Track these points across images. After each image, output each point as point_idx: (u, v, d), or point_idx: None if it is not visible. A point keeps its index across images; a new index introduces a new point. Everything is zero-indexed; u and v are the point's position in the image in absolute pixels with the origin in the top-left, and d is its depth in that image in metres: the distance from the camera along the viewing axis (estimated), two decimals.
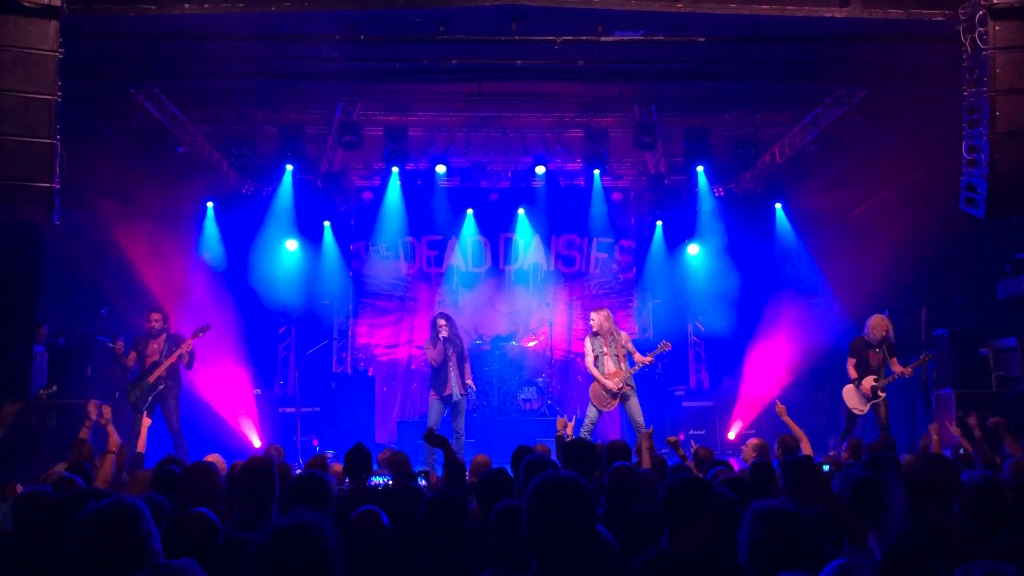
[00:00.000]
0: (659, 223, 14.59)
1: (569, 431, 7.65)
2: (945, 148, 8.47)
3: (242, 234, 13.60)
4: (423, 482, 5.76)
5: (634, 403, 9.64)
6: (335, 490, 4.17)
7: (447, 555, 3.77)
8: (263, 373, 13.24)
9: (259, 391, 12.70)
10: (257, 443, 11.64)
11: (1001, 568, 2.41)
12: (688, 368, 14.64)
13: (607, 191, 14.58)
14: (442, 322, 10.13)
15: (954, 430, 7.88)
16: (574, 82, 10.88)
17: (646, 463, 6.00)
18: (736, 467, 6.39)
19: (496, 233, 14.97)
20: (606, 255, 15.03)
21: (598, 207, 14.50)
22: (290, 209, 13.56)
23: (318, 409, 12.56)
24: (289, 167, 13.05)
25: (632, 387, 9.69)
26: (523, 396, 13.23)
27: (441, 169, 13.92)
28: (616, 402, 9.61)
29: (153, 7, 7.36)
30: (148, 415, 8.87)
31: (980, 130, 7.21)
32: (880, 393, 9.24)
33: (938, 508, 3.49)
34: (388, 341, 14.69)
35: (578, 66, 9.48)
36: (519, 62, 9.39)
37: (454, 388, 9.97)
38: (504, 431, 12.02)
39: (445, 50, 9.04)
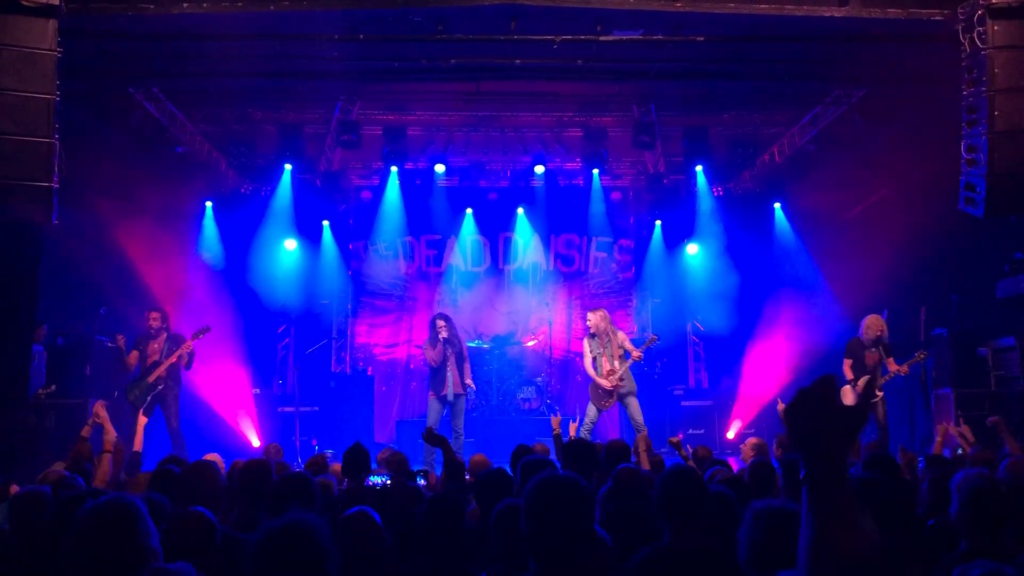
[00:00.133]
0: (658, 222, 14.59)
1: (571, 431, 7.67)
2: (944, 147, 8.47)
3: (241, 233, 13.60)
4: (422, 481, 5.76)
5: (634, 404, 9.66)
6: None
7: (446, 555, 3.77)
8: (262, 372, 13.24)
9: (258, 390, 12.71)
10: (256, 443, 11.66)
11: (1000, 568, 2.41)
12: (687, 367, 14.64)
13: (606, 190, 14.57)
14: (441, 323, 10.14)
15: (951, 430, 7.88)
16: (573, 81, 10.87)
17: (644, 464, 6.01)
18: (735, 466, 6.40)
19: (495, 232, 14.96)
20: (605, 254, 15.02)
21: (597, 206, 14.50)
22: (289, 208, 13.55)
23: (317, 408, 12.55)
24: (288, 166, 13.04)
25: (631, 387, 9.70)
26: (522, 396, 13.23)
27: (440, 168, 13.92)
28: (613, 401, 9.63)
29: (152, 6, 7.36)
30: (147, 415, 8.88)
31: (979, 129, 7.21)
32: (878, 392, 9.26)
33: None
34: (387, 340, 14.68)
35: (577, 65, 9.48)
36: (518, 61, 9.39)
37: (453, 388, 9.99)
38: (503, 431, 12.03)
39: (444, 49, 9.04)
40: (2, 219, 7.45)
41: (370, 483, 4.98)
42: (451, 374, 10.00)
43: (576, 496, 2.44)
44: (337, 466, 6.26)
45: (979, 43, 7.17)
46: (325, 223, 14.24)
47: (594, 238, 14.96)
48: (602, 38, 8.38)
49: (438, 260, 14.90)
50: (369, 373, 13.84)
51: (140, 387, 9.45)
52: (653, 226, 14.65)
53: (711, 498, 3.35)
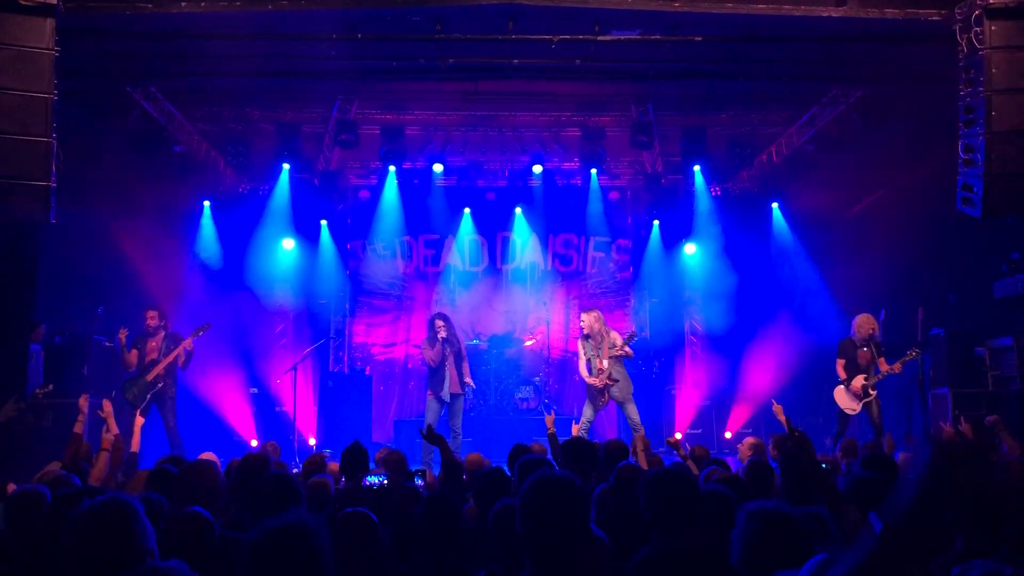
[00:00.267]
0: (656, 222, 14.58)
1: (574, 431, 7.67)
2: (941, 148, 8.49)
3: (239, 233, 13.60)
4: (420, 481, 5.76)
5: (630, 403, 9.69)
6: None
7: (444, 554, 3.77)
8: (259, 372, 13.23)
9: (255, 390, 12.70)
10: (253, 442, 11.65)
11: (999, 568, 2.41)
12: (685, 367, 14.63)
13: (604, 190, 14.57)
14: (440, 323, 10.14)
15: (949, 430, 7.90)
16: (571, 81, 10.88)
17: (642, 463, 6.01)
18: (733, 466, 6.41)
19: (493, 232, 14.95)
20: (603, 254, 15.03)
21: (595, 206, 14.49)
22: (287, 208, 13.55)
23: (315, 408, 12.54)
24: (286, 166, 13.03)
25: (628, 388, 9.72)
26: (520, 395, 13.24)
27: (438, 168, 13.92)
28: (606, 400, 9.65)
29: (149, 5, 7.36)
30: (144, 414, 8.87)
31: (976, 129, 7.22)
32: (871, 391, 9.29)
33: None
34: (385, 340, 14.68)
35: (575, 65, 9.48)
36: (516, 61, 9.38)
37: (451, 387, 10.00)
38: (501, 430, 12.03)
39: (442, 49, 9.04)
40: (0, 218, 7.44)
41: (367, 483, 4.98)
42: (449, 374, 10.01)
43: (572, 495, 2.44)
44: (335, 465, 6.26)
45: (976, 43, 7.18)
46: (323, 222, 14.23)
47: (592, 238, 14.96)
48: (600, 38, 8.38)
49: (436, 260, 14.90)
50: (367, 373, 13.83)
51: (139, 385, 9.46)
52: (651, 226, 14.64)
53: (706, 499, 3.35)
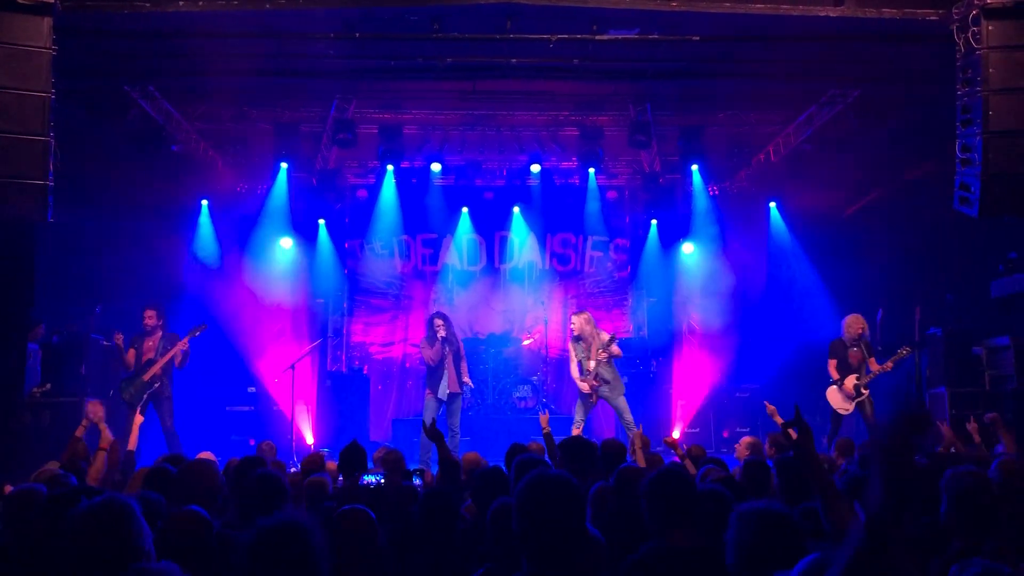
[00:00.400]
0: (654, 222, 14.58)
1: (574, 432, 7.68)
2: (938, 147, 8.50)
3: (237, 232, 13.60)
4: (418, 480, 5.77)
5: (621, 403, 9.77)
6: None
7: (441, 553, 3.77)
8: (257, 371, 13.22)
9: (253, 389, 12.70)
10: (251, 441, 11.64)
11: (997, 567, 2.42)
12: (683, 366, 14.63)
13: (602, 189, 14.57)
14: (439, 322, 10.16)
15: (945, 430, 7.90)
16: (569, 81, 10.88)
17: (640, 461, 6.01)
18: (730, 466, 6.41)
19: (491, 231, 14.95)
20: (601, 253, 15.03)
21: (593, 205, 14.50)
22: (285, 207, 13.54)
23: (313, 407, 12.54)
24: (284, 165, 13.02)
25: (618, 387, 9.78)
26: (518, 394, 13.24)
27: (436, 167, 13.91)
28: (595, 399, 9.75)
29: (147, 4, 7.35)
30: (141, 413, 8.86)
31: (973, 129, 7.22)
32: (863, 391, 9.32)
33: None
34: (383, 339, 14.67)
35: (573, 65, 9.48)
36: (514, 60, 9.38)
37: (449, 387, 10.01)
38: (499, 429, 12.05)
39: (440, 48, 9.04)
40: None
41: (364, 482, 4.99)
42: (448, 373, 10.03)
43: (568, 494, 2.44)
44: (332, 464, 6.27)
45: (974, 43, 7.19)
46: (321, 221, 14.22)
47: (590, 237, 14.96)
48: (598, 37, 8.37)
49: (434, 259, 14.90)
50: (365, 372, 13.83)
51: (135, 385, 9.45)
52: (649, 225, 14.65)
53: (703, 498, 3.35)
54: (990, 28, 7.12)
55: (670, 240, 14.54)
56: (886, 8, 7.63)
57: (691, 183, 13.83)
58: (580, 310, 10.46)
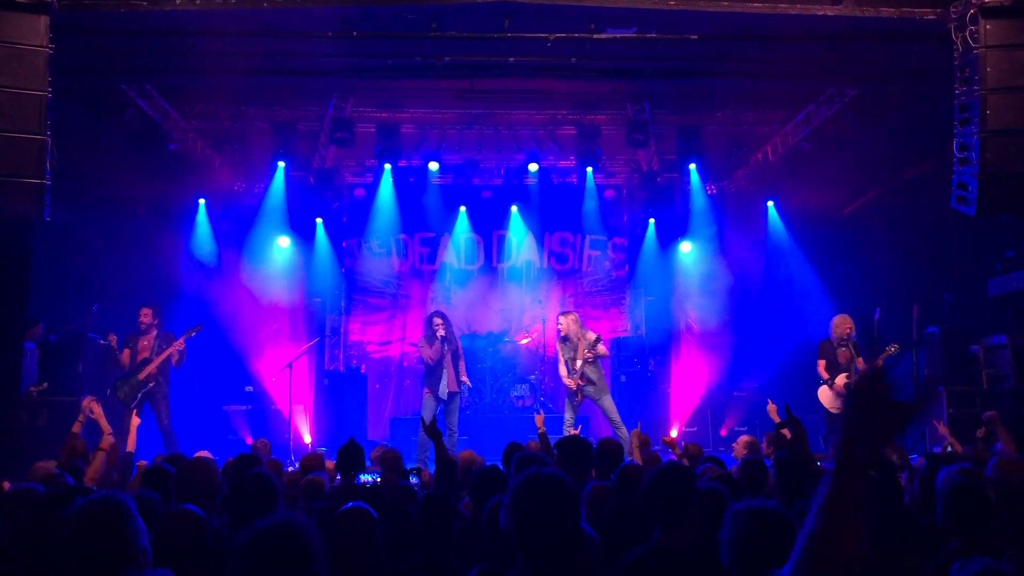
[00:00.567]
0: (652, 220, 14.59)
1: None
2: (936, 146, 8.50)
3: (234, 231, 13.59)
4: (415, 479, 5.77)
5: (607, 402, 9.86)
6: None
7: (438, 552, 3.77)
8: (255, 370, 13.21)
9: (250, 388, 12.69)
10: (248, 440, 11.64)
11: (997, 566, 2.42)
12: (681, 365, 14.64)
13: (600, 188, 14.57)
14: (439, 321, 10.16)
15: (942, 429, 7.91)
16: (567, 79, 10.88)
17: (637, 459, 6.01)
18: (728, 464, 6.42)
19: (489, 230, 14.96)
20: (599, 252, 15.04)
21: (591, 204, 14.51)
22: (282, 206, 13.53)
23: (310, 406, 12.54)
24: (281, 164, 13.01)
25: (602, 386, 9.85)
26: (516, 393, 13.25)
27: (434, 166, 13.92)
28: (580, 398, 9.85)
29: (144, 3, 7.34)
30: (139, 413, 8.85)
31: (971, 128, 7.22)
32: None
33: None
34: (381, 338, 14.67)
35: (571, 63, 9.47)
36: (511, 59, 9.37)
37: (448, 386, 10.02)
38: (497, 428, 12.05)
39: (437, 47, 9.01)
40: None
41: (360, 481, 4.99)
42: (447, 372, 10.04)
43: (561, 493, 2.44)
44: (331, 463, 6.27)
45: (971, 42, 7.19)
46: (318, 220, 14.21)
47: (588, 236, 14.97)
48: (596, 36, 8.36)
49: (432, 258, 14.90)
50: (363, 371, 13.83)
51: (130, 384, 9.43)
52: (647, 224, 14.66)
53: (701, 496, 3.35)
54: (988, 27, 7.13)
55: (668, 239, 14.55)
56: (884, 7, 7.64)
57: (689, 182, 13.83)
58: (567, 311, 10.55)
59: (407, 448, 9.48)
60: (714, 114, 12.85)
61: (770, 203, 13.96)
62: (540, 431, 6.89)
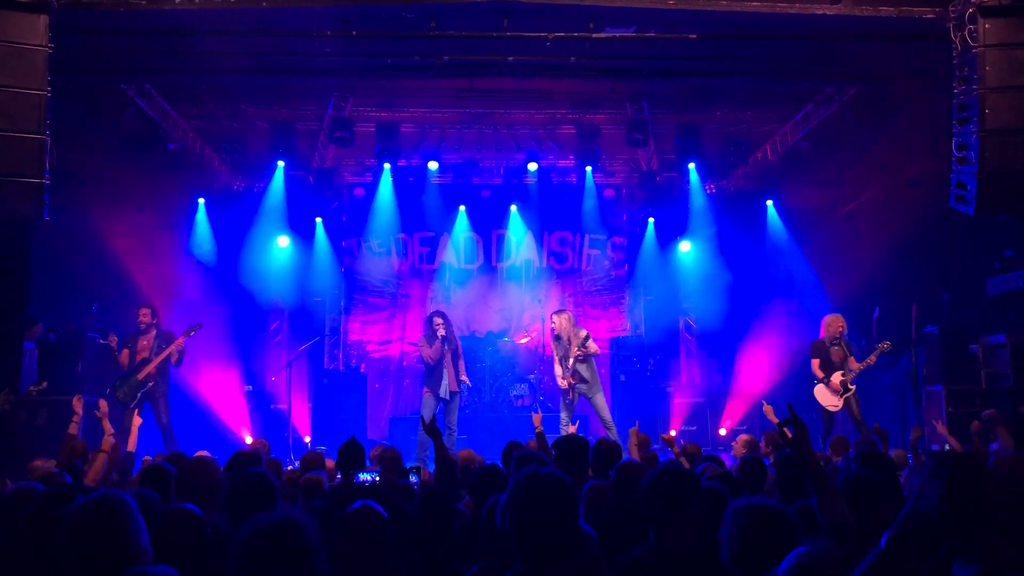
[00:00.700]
0: (651, 220, 14.60)
1: (571, 430, 7.69)
2: (935, 145, 8.50)
3: (234, 230, 13.58)
4: (415, 478, 5.77)
5: (599, 400, 9.92)
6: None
7: (437, 551, 3.77)
8: (254, 369, 13.22)
9: (250, 387, 12.69)
10: (248, 439, 11.65)
11: (1000, 563, 2.42)
12: (680, 364, 14.66)
13: (599, 188, 14.58)
14: (439, 320, 10.16)
15: (941, 428, 7.92)
16: (566, 79, 10.89)
17: (635, 457, 6.00)
18: (728, 463, 6.42)
19: (488, 230, 14.96)
20: (598, 252, 15.04)
21: (590, 204, 14.52)
22: (282, 205, 13.54)
23: (310, 406, 12.54)
24: (281, 163, 13.01)
25: (592, 383, 9.87)
26: (515, 392, 13.25)
27: (433, 165, 13.92)
28: (572, 396, 9.88)
29: (143, 2, 7.34)
30: (138, 412, 8.85)
31: (970, 127, 7.23)
32: (850, 386, 9.37)
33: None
34: (380, 337, 14.68)
35: (570, 63, 9.46)
36: (510, 58, 9.36)
37: (448, 385, 10.02)
38: (496, 427, 12.06)
39: (436, 46, 9.01)
40: None
41: (359, 479, 4.98)
42: (447, 371, 10.04)
43: (560, 492, 2.44)
44: (331, 462, 6.28)
45: (970, 41, 7.20)
46: (318, 220, 14.22)
47: (587, 235, 14.98)
48: (595, 35, 8.36)
49: (431, 257, 14.91)
50: (362, 370, 13.84)
51: (129, 384, 9.43)
52: (646, 223, 14.67)
53: (700, 496, 3.35)
54: (987, 26, 7.13)
55: (667, 238, 14.56)
56: (883, 6, 7.64)
57: (688, 181, 13.83)
58: (560, 310, 10.56)
59: (406, 447, 9.48)
60: (713, 113, 12.85)
61: (769, 202, 13.96)
62: (537, 430, 6.89)
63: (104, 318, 11.20)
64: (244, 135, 13.01)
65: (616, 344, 13.82)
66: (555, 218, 14.88)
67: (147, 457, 6.25)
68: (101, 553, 2.50)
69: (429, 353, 10.07)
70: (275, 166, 13.05)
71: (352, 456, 5.51)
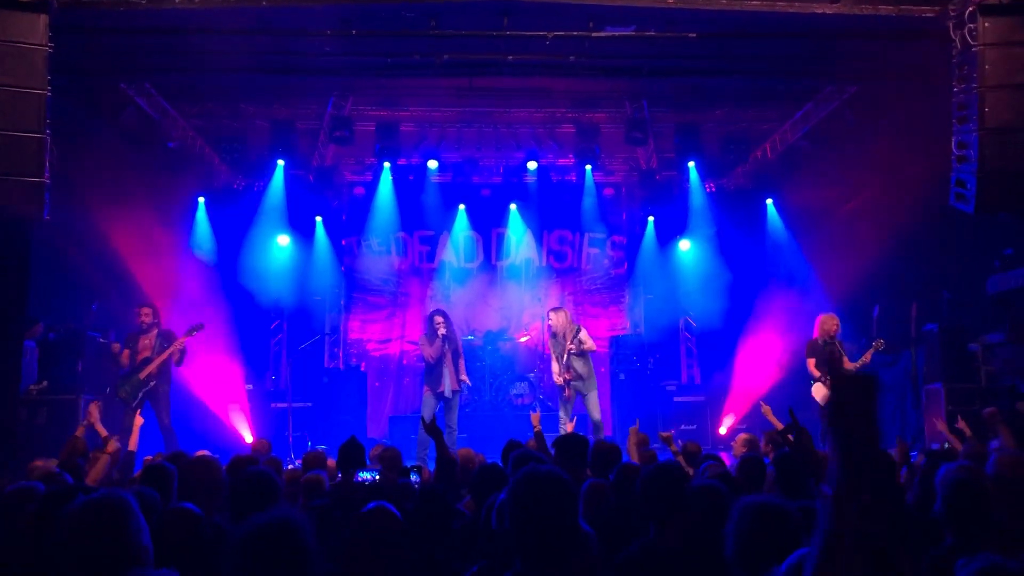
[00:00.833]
0: (651, 218, 14.61)
1: (570, 428, 7.68)
2: (935, 144, 8.49)
3: (234, 229, 13.58)
4: (415, 477, 5.77)
5: (592, 398, 9.94)
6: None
7: (438, 550, 3.77)
8: (255, 368, 13.22)
9: (251, 386, 12.69)
10: (249, 439, 11.65)
11: (1002, 562, 2.42)
12: (679, 363, 14.66)
13: (599, 186, 14.59)
14: (439, 319, 10.16)
15: (941, 426, 7.92)
16: (565, 77, 10.89)
17: (633, 456, 6.02)
18: (728, 462, 6.43)
19: (488, 228, 14.97)
20: (598, 250, 15.05)
21: (590, 202, 14.53)
22: (282, 204, 13.54)
23: (310, 404, 12.55)
24: (280, 162, 13.01)
25: (588, 380, 9.89)
26: (515, 391, 13.25)
27: (433, 164, 13.92)
28: (569, 394, 9.93)
29: (143, 1, 7.34)
30: (140, 412, 8.85)
31: (970, 126, 7.23)
32: None
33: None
34: (380, 336, 14.68)
35: (569, 62, 9.47)
36: (510, 57, 9.37)
37: (448, 384, 10.02)
38: (496, 426, 12.05)
39: (436, 45, 9.01)
40: None
41: (359, 479, 4.99)
42: (447, 370, 10.03)
43: (560, 491, 2.44)
44: (332, 462, 6.28)
45: (970, 40, 7.20)
46: (318, 219, 14.23)
47: (587, 234, 14.98)
48: (594, 34, 8.36)
49: (431, 256, 14.92)
50: (362, 369, 13.84)
51: (131, 383, 9.44)
52: (646, 222, 14.67)
53: (699, 493, 3.35)
54: (986, 25, 7.14)
55: (667, 237, 14.56)
56: (882, 5, 7.64)
57: (688, 180, 13.84)
58: (556, 307, 10.56)
59: (407, 446, 9.49)
60: (713, 112, 12.85)
61: (769, 201, 13.96)
62: (536, 429, 6.89)
63: (104, 317, 11.20)
64: (244, 134, 13.00)
65: (616, 343, 13.82)
66: (555, 217, 14.88)
67: (148, 457, 6.24)
68: (102, 553, 2.50)
69: (429, 352, 10.07)
70: (275, 165, 13.06)
71: (352, 455, 5.51)
